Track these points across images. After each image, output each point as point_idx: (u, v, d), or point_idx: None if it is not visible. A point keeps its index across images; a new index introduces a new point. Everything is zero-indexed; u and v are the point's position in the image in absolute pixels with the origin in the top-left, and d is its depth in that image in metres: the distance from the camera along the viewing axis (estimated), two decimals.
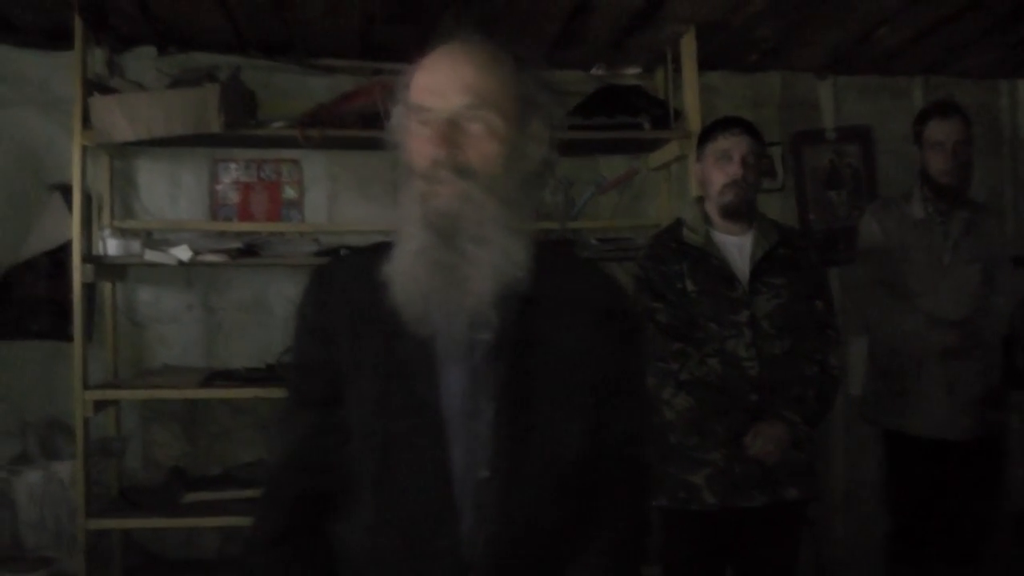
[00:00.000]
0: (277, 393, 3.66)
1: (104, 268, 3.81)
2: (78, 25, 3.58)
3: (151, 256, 3.69)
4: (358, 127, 3.81)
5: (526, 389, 1.55)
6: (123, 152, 4.06)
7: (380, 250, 1.60)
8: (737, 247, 3.11)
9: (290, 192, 4.31)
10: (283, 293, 4.26)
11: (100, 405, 3.71)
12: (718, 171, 3.09)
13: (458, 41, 1.58)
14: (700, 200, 3.24)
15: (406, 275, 1.51)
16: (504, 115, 1.53)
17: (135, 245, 3.75)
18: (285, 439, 1.67)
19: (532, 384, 1.56)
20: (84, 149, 3.63)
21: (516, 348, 1.55)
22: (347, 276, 1.64)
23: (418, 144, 1.53)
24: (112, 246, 3.75)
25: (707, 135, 3.19)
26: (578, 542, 1.65)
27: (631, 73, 4.55)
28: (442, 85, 1.52)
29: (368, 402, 1.56)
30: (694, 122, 3.92)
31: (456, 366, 1.55)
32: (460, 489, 1.53)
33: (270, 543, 1.63)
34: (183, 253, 3.68)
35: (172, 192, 4.23)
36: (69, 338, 3.73)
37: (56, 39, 3.96)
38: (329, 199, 4.34)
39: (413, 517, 1.54)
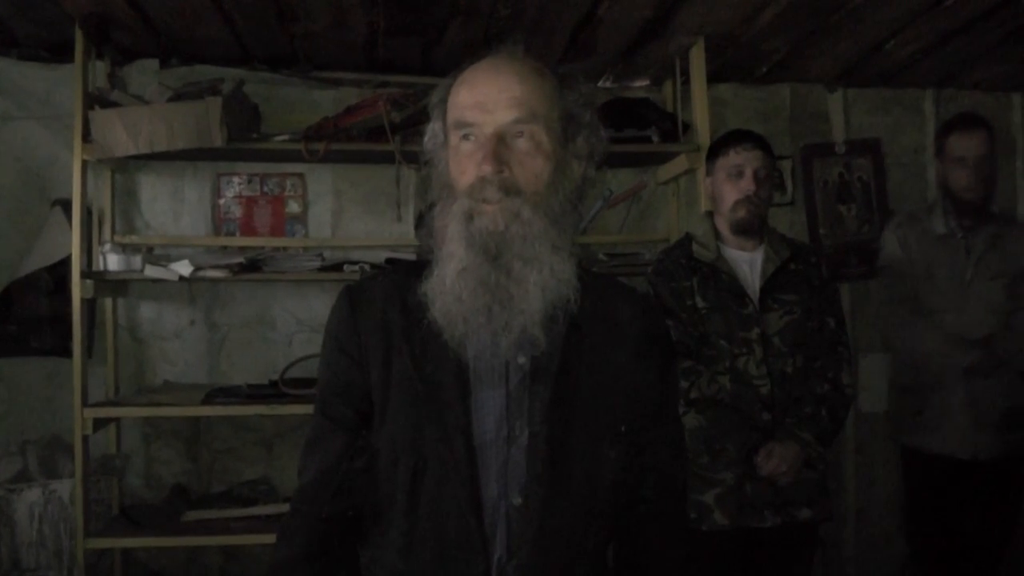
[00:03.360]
0: (280, 410, 3.64)
1: (105, 284, 3.77)
2: (79, 38, 3.55)
3: (151, 272, 3.65)
4: (363, 141, 3.77)
5: (563, 415, 1.53)
6: (125, 166, 4.03)
7: (412, 270, 1.58)
8: (748, 263, 3.06)
9: (294, 206, 4.27)
10: (287, 308, 4.23)
11: (100, 423, 3.66)
12: (730, 186, 3.04)
13: (501, 54, 1.56)
14: (710, 215, 3.19)
15: (448, 294, 1.48)
16: (550, 131, 1.51)
17: (136, 260, 3.71)
18: (315, 460, 1.61)
19: (570, 410, 1.53)
20: (85, 163, 3.59)
21: (555, 372, 1.53)
22: (380, 296, 1.60)
23: (461, 161, 1.51)
24: (113, 261, 3.71)
25: (717, 149, 3.14)
26: (615, 571, 1.64)
27: (640, 85, 4.52)
28: (488, 100, 1.49)
29: (400, 426, 1.53)
30: (703, 135, 3.88)
31: (491, 391, 1.53)
32: (492, 516, 1.52)
33: (297, 562, 1.57)
34: (184, 268, 3.64)
35: (174, 207, 4.20)
36: (70, 354, 3.68)
37: (58, 52, 3.94)
38: (333, 213, 4.30)
39: (444, 543, 1.52)
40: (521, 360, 1.52)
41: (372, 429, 1.57)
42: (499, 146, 1.47)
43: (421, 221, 3.57)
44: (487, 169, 1.46)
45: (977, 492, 3.45)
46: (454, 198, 1.51)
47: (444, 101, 1.58)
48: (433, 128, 1.61)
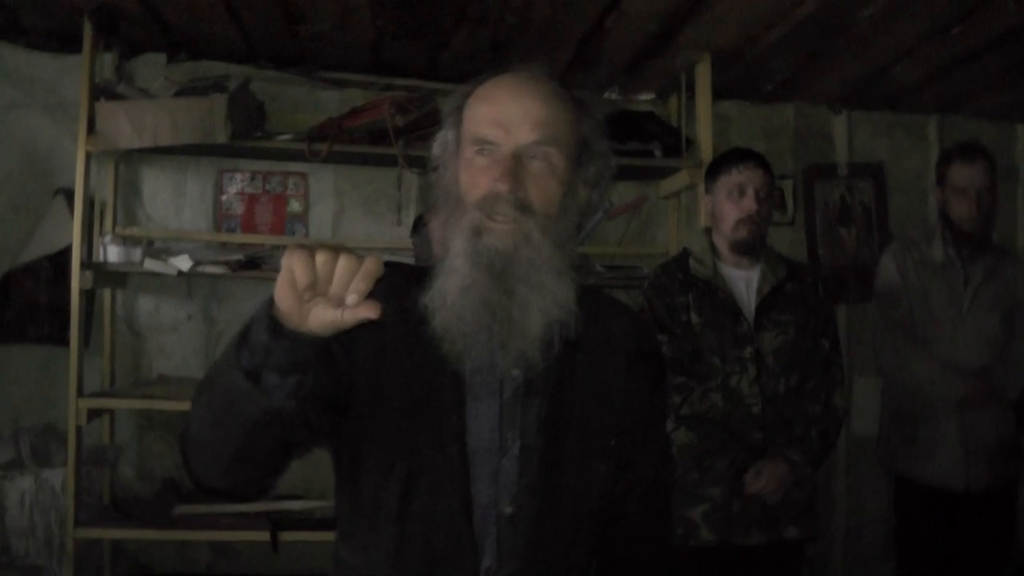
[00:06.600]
0: None
1: (104, 275, 3.78)
2: (88, 30, 3.56)
3: (150, 265, 3.66)
4: (366, 143, 3.78)
5: (555, 427, 1.52)
6: (128, 159, 4.03)
7: (411, 274, 1.55)
8: (744, 281, 3.06)
9: (295, 205, 4.28)
10: None
11: (94, 413, 3.66)
12: (731, 205, 3.03)
13: (523, 72, 1.54)
14: (708, 231, 3.19)
15: (449, 311, 1.46)
16: (566, 156, 1.50)
17: (136, 253, 3.72)
18: None
19: (562, 422, 1.53)
20: (89, 154, 3.61)
21: (549, 386, 1.53)
22: (378, 298, 1.58)
23: (474, 174, 1.49)
24: (113, 253, 3.72)
25: (718, 167, 3.13)
26: None
27: (644, 99, 4.52)
28: (510, 119, 1.47)
29: (392, 431, 1.51)
30: (706, 151, 3.89)
31: (485, 401, 1.52)
32: (482, 525, 1.50)
33: None
34: (183, 263, 3.65)
35: (176, 201, 4.20)
36: (67, 344, 3.67)
37: (66, 43, 3.95)
38: (334, 214, 4.31)
39: (434, 549, 1.50)
40: (515, 373, 1.51)
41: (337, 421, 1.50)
42: (516, 165, 1.46)
43: (417, 228, 3.57)
44: (503, 187, 1.44)
45: (968, 523, 3.43)
46: (463, 210, 1.49)
47: (460, 110, 1.56)
48: (445, 136, 1.59)
